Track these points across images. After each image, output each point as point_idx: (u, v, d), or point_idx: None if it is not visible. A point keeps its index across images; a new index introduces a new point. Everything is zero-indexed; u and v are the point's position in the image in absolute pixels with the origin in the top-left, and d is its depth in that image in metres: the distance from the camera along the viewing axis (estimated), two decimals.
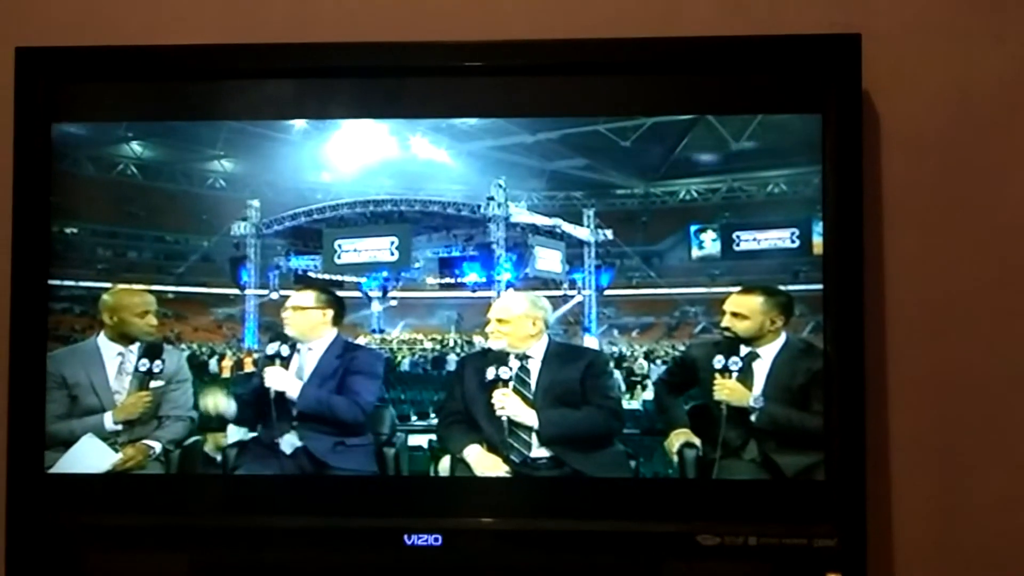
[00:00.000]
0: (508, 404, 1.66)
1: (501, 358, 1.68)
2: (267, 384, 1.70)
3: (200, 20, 1.75)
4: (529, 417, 1.66)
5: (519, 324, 1.70)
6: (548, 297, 1.76)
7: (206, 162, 1.75)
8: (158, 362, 1.68)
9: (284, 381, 1.70)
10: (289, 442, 1.68)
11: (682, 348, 1.72)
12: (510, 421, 1.65)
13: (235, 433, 1.71)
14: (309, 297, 1.75)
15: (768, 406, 1.61)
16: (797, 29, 1.60)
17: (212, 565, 1.71)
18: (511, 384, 1.66)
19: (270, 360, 1.70)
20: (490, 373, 1.67)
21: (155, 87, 1.68)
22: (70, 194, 1.68)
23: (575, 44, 1.62)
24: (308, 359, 1.72)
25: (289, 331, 1.72)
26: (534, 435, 1.65)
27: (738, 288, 1.66)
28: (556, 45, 1.62)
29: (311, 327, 1.73)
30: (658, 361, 1.80)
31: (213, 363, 1.82)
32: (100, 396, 1.67)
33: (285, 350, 1.71)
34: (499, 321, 1.70)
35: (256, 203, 1.77)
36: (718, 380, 1.63)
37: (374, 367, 1.73)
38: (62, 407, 1.65)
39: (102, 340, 1.69)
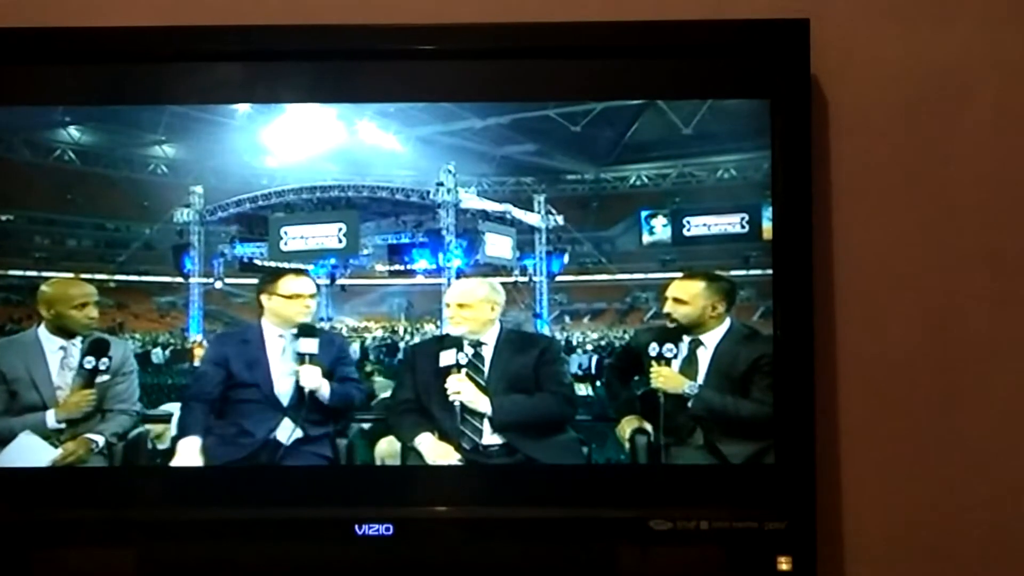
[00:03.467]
0: (464, 389, 1.64)
1: (456, 343, 1.66)
2: (303, 384, 1.66)
3: (141, 0, 1.70)
4: (482, 403, 1.64)
5: (480, 308, 1.69)
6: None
7: (147, 147, 1.71)
8: (105, 360, 1.63)
9: (319, 380, 1.67)
10: (287, 433, 1.66)
11: (630, 334, 1.72)
12: (463, 407, 1.63)
13: None
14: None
15: (703, 393, 1.62)
16: (746, 14, 1.59)
17: (161, 558, 1.68)
18: (464, 370, 1.65)
19: (301, 359, 1.66)
20: (446, 358, 1.65)
21: (93, 70, 1.62)
22: (5, 180, 1.62)
23: (524, 28, 1.60)
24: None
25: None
26: (486, 422, 1.64)
27: (680, 274, 1.66)
28: (505, 29, 1.59)
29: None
30: (585, 349, 1.79)
31: (157, 353, 1.78)
32: (41, 392, 1.62)
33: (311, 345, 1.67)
34: (460, 306, 1.68)
35: (199, 189, 1.73)
36: (654, 367, 1.63)
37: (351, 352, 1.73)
38: (1, 403, 1.60)
39: (43, 333, 1.64)
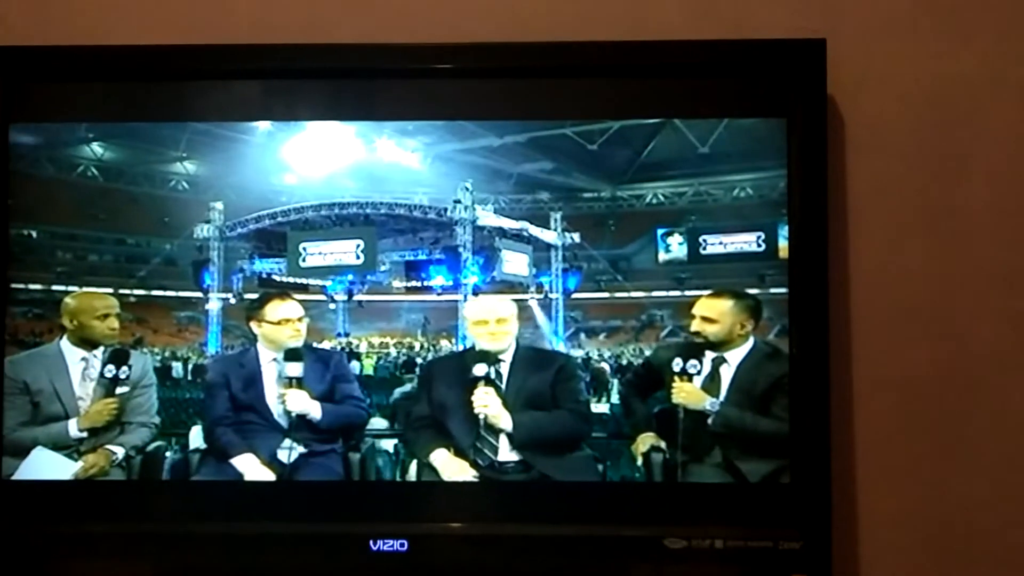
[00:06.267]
0: (491, 403, 1.64)
1: (488, 357, 1.66)
2: (289, 408, 1.67)
3: (163, 19, 1.73)
4: (504, 419, 1.64)
5: (512, 323, 1.69)
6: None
7: (168, 164, 1.72)
8: (125, 368, 1.65)
9: (306, 404, 1.68)
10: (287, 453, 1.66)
11: (648, 352, 1.72)
12: (484, 423, 1.63)
13: (197, 438, 1.68)
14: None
15: (724, 409, 1.62)
16: (763, 34, 1.60)
17: (176, 573, 1.69)
18: (492, 384, 1.64)
19: (288, 383, 1.67)
20: (478, 370, 1.64)
21: (116, 88, 1.65)
22: (28, 196, 1.64)
23: (542, 47, 1.61)
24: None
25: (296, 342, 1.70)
26: (503, 439, 1.64)
27: (708, 292, 1.66)
28: (523, 48, 1.61)
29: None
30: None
31: (177, 367, 1.80)
32: (64, 403, 1.63)
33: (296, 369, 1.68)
34: (498, 321, 1.68)
35: (219, 205, 1.75)
36: (676, 383, 1.63)
37: (350, 369, 1.73)
38: (24, 414, 1.61)
39: (65, 344, 1.66)
